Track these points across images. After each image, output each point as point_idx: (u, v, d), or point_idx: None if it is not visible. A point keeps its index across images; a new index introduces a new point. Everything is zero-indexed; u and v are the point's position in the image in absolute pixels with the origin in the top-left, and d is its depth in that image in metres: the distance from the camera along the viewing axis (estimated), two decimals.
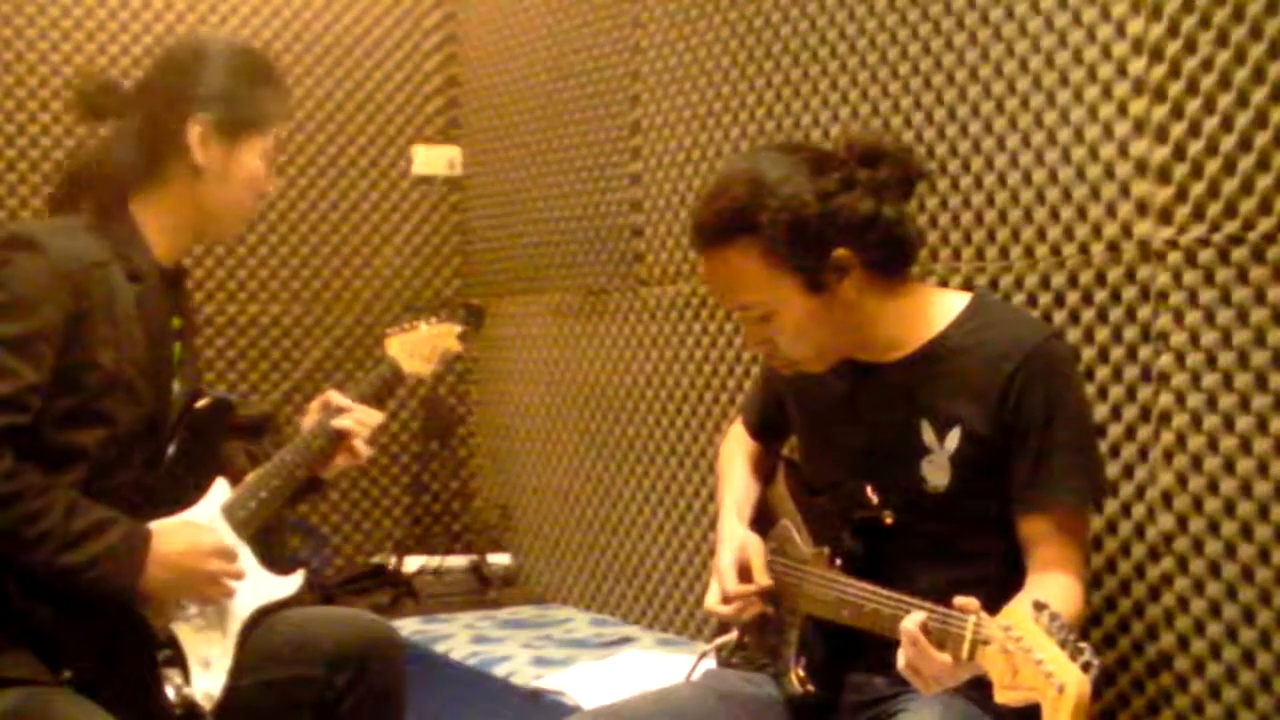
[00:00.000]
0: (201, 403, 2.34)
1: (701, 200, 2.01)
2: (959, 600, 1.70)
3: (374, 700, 2.35)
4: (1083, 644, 1.54)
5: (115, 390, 2.13)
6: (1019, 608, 1.63)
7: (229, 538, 2.26)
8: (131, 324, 2.16)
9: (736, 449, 2.36)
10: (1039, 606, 1.59)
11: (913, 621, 1.73)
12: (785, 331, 1.98)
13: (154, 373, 2.19)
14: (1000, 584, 1.87)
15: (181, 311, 2.34)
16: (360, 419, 2.38)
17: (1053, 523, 1.93)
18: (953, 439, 1.95)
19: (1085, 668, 1.52)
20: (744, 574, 2.11)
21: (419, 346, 2.56)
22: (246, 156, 2.26)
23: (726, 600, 2.10)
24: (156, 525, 2.16)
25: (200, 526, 2.23)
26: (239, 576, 2.24)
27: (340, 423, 2.36)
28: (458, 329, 2.64)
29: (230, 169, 2.25)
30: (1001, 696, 1.61)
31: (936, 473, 1.97)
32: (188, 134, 2.22)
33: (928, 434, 1.97)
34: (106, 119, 2.32)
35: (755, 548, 2.13)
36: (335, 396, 2.40)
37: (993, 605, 1.68)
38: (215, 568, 2.20)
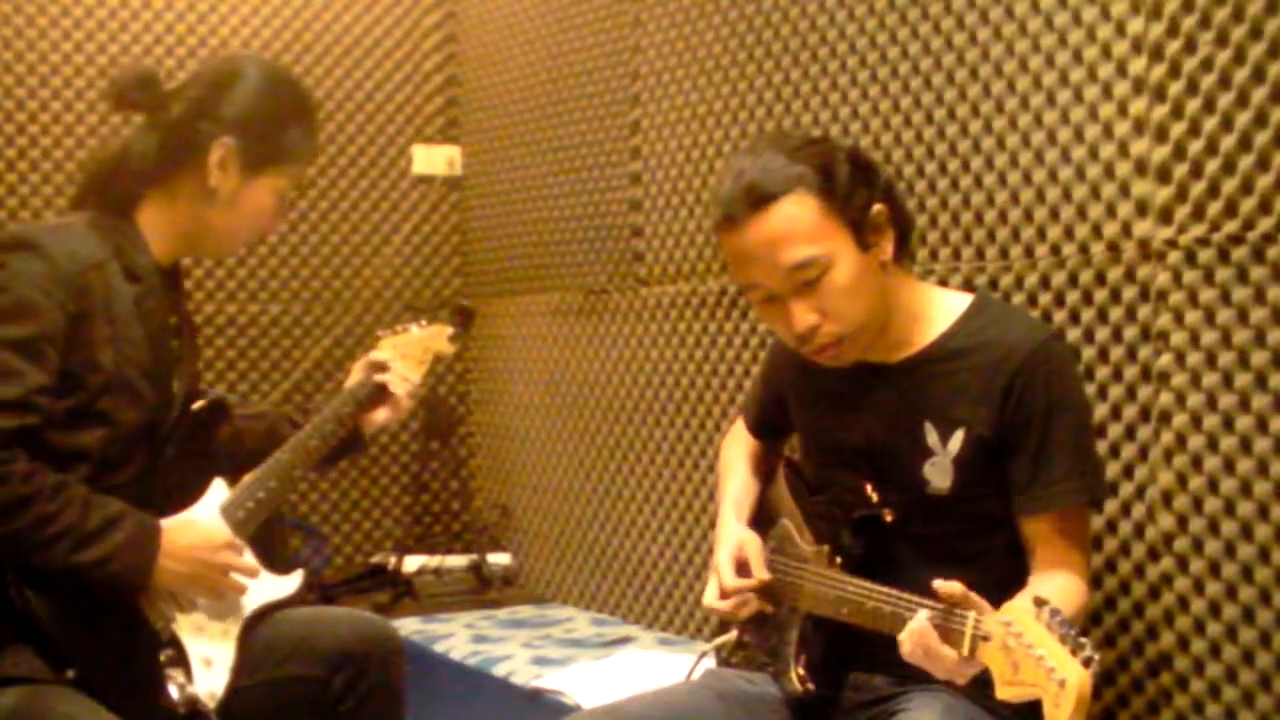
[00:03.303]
0: (198, 404, 2.34)
1: (731, 178, 1.95)
2: (937, 584, 1.71)
3: (374, 700, 2.35)
4: (1083, 639, 1.54)
5: (116, 390, 2.13)
6: (1019, 604, 1.63)
7: None
8: (131, 324, 2.16)
9: (737, 448, 2.36)
10: (1039, 602, 1.59)
11: (920, 621, 1.74)
12: (840, 289, 1.92)
13: (156, 372, 2.19)
14: (1001, 583, 1.87)
15: (179, 310, 2.34)
16: (402, 373, 2.49)
17: (1055, 523, 1.94)
18: (956, 441, 1.96)
19: (1086, 663, 1.52)
20: (742, 570, 2.11)
21: (411, 348, 2.57)
22: (261, 190, 2.25)
23: (724, 595, 2.10)
24: (167, 522, 2.17)
25: (211, 522, 2.25)
26: (252, 573, 2.25)
27: (381, 377, 2.47)
28: (448, 330, 2.66)
29: (241, 198, 2.24)
30: (1003, 693, 1.61)
31: (939, 475, 1.97)
32: (210, 153, 2.21)
33: (931, 436, 1.97)
34: (134, 113, 2.30)
35: (753, 545, 2.13)
36: (377, 354, 2.51)
37: (994, 604, 1.69)
38: (227, 560, 2.21)
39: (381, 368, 2.49)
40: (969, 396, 1.96)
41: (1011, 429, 1.93)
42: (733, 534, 2.16)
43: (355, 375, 2.53)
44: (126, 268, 2.17)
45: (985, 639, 1.64)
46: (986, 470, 1.95)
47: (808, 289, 1.92)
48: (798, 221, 1.91)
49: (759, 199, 1.92)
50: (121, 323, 2.14)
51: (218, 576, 2.21)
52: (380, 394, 2.48)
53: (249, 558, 2.27)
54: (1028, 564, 1.96)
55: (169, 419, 2.24)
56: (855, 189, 1.95)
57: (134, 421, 2.16)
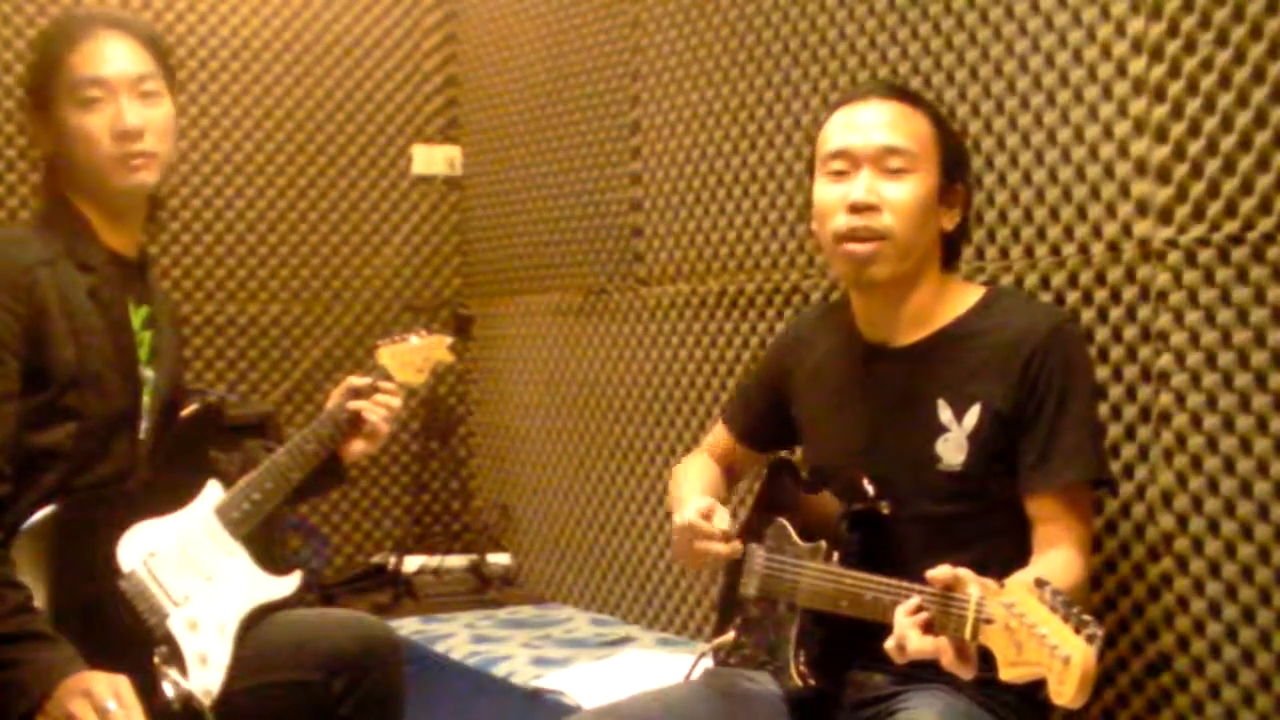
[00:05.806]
0: (190, 408, 2.34)
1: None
2: (930, 574, 1.71)
3: (373, 703, 2.35)
4: (1086, 616, 1.55)
5: (81, 383, 2.14)
6: (1021, 584, 1.63)
7: (222, 538, 2.27)
8: (89, 315, 2.16)
9: (691, 468, 2.37)
10: (1040, 583, 1.60)
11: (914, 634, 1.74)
12: (909, 196, 2.01)
13: (120, 361, 2.20)
14: (1003, 564, 1.87)
15: (150, 300, 2.33)
16: (382, 400, 2.41)
17: (1059, 500, 1.95)
18: (971, 417, 1.98)
19: (1090, 639, 1.52)
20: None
21: (410, 357, 2.54)
22: (64, 120, 2.21)
23: (726, 539, 2.05)
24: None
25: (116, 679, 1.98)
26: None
27: (356, 404, 2.39)
28: (448, 339, 2.63)
29: (62, 138, 2.22)
30: (1006, 674, 1.61)
31: (952, 451, 1.99)
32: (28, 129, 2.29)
33: (945, 413, 1.99)
34: None
35: (711, 501, 2.09)
36: (356, 380, 2.43)
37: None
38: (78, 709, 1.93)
39: (358, 393, 2.42)
40: (987, 372, 1.98)
41: (1028, 404, 1.96)
42: (687, 503, 2.12)
43: (333, 400, 2.44)
44: (79, 261, 2.18)
45: (988, 622, 1.64)
46: (999, 446, 1.97)
47: (885, 175, 2.03)
48: (911, 122, 2.05)
49: (893, 92, 2.09)
50: (80, 316, 2.15)
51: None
52: (357, 421, 2.40)
53: (239, 560, 2.26)
54: (1030, 543, 1.97)
55: (139, 408, 2.24)
56: (956, 156, 2.09)
57: (103, 413, 2.16)
